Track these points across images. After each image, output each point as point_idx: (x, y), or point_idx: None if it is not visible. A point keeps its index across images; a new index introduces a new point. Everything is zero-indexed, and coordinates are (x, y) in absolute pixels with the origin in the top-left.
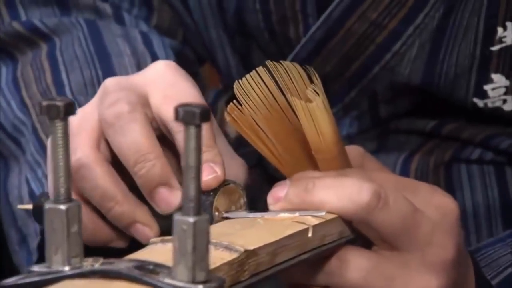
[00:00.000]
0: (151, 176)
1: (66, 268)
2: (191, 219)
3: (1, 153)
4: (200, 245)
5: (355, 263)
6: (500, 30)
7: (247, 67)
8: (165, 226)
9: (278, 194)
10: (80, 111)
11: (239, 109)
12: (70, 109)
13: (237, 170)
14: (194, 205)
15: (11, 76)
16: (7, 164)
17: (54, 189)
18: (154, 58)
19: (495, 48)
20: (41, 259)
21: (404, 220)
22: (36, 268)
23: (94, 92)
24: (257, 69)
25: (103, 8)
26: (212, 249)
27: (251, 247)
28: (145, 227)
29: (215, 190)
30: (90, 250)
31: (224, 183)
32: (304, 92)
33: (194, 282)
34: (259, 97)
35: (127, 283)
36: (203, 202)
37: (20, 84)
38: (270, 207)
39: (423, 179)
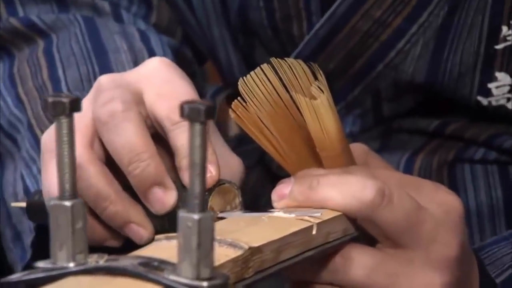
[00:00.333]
0: (145, 176)
1: (71, 265)
2: (196, 216)
3: None
4: (205, 242)
5: (359, 260)
6: (504, 28)
7: (250, 65)
8: (160, 225)
9: (283, 191)
10: None
11: (243, 106)
12: (75, 106)
13: (233, 169)
14: (199, 202)
15: (7, 73)
16: (2, 162)
17: (59, 185)
18: (152, 54)
19: (499, 46)
20: (34, 256)
21: (408, 218)
22: (41, 264)
23: (90, 88)
24: (261, 66)
25: (101, 5)
26: (216, 246)
27: (256, 244)
28: (140, 227)
29: (209, 190)
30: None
31: (219, 182)
32: (309, 89)
33: (199, 278)
34: (263, 94)
35: (132, 279)
36: None
37: (16, 80)
38: (274, 204)
39: (426, 179)
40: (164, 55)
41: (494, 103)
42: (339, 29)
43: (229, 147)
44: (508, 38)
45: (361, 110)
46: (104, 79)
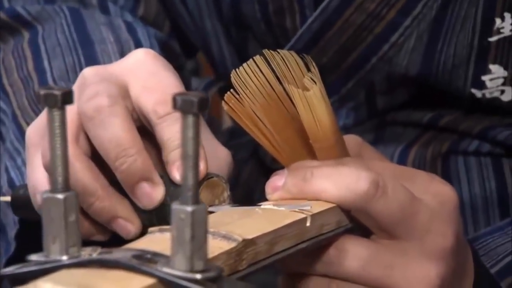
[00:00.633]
0: (132, 172)
1: (64, 258)
2: (189, 208)
3: None
4: (198, 234)
5: (354, 252)
6: (498, 21)
7: (242, 58)
8: (147, 219)
9: (276, 183)
10: None
11: (236, 98)
12: (67, 98)
13: (221, 161)
14: (192, 194)
15: None
16: None
17: (52, 178)
18: (138, 46)
19: (493, 38)
20: (18, 249)
21: (403, 209)
22: (34, 257)
23: (76, 79)
24: (254, 58)
25: None
26: (210, 238)
27: (249, 236)
28: (127, 222)
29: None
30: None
31: (207, 176)
32: (301, 81)
33: (192, 271)
34: (256, 86)
35: (125, 272)
36: None
37: (1, 72)
38: (268, 196)
39: None
40: (151, 47)
41: (488, 95)
42: (333, 23)
43: (222, 140)
44: (502, 30)
45: (355, 103)
46: (88, 72)
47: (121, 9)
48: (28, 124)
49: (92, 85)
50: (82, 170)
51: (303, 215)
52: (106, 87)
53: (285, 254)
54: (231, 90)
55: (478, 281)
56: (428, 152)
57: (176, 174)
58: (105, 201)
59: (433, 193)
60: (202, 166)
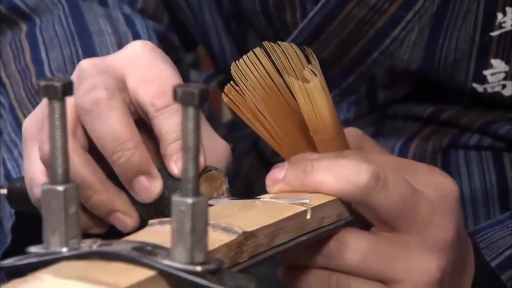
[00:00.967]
0: (130, 165)
1: (64, 250)
2: (189, 200)
3: None
4: (199, 226)
5: (354, 244)
6: (499, 15)
7: (242, 51)
8: (145, 213)
9: (277, 176)
10: None
11: (236, 90)
12: (68, 89)
13: (219, 153)
14: (193, 186)
15: None
16: None
17: (52, 170)
18: (137, 38)
19: (494, 33)
20: (14, 241)
21: (403, 201)
22: (33, 249)
23: (74, 70)
24: (254, 50)
25: None
26: (210, 230)
27: (250, 229)
28: (125, 216)
29: None
30: None
31: (206, 169)
32: (302, 73)
33: (193, 263)
34: (256, 78)
35: (125, 264)
36: None
37: None
38: (269, 189)
39: None
40: (149, 39)
41: (489, 90)
42: (334, 17)
43: (222, 133)
44: (503, 25)
45: (356, 97)
46: (85, 64)
47: (120, 2)
48: (25, 116)
49: (89, 77)
50: (79, 164)
51: (303, 208)
52: (104, 80)
53: (286, 247)
54: (231, 82)
55: (479, 274)
56: (429, 146)
57: (174, 168)
58: (103, 194)
59: (434, 186)
60: (201, 159)
